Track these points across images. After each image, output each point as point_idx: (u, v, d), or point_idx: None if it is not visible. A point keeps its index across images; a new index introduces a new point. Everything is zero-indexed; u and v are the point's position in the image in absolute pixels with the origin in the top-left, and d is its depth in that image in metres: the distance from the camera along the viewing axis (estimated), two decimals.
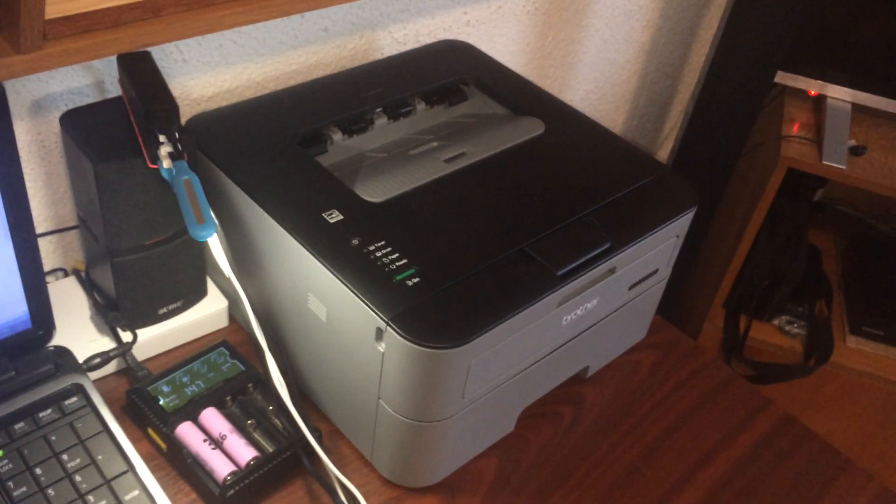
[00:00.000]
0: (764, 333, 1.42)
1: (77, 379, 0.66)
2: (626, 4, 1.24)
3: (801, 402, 1.42)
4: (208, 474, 0.63)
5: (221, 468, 0.63)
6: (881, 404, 1.39)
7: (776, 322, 1.44)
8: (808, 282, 1.44)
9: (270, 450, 0.66)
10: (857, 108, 1.33)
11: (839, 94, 1.33)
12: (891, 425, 1.40)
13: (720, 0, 1.42)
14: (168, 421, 0.66)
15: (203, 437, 0.65)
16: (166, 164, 0.64)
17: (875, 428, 1.41)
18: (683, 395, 0.80)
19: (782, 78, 1.32)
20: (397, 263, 0.62)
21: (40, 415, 0.63)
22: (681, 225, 0.75)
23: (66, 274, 0.80)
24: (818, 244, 1.53)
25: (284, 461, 0.65)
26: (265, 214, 0.67)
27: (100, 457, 0.62)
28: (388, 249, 0.63)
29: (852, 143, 1.28)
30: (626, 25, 1.27)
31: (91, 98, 0.74)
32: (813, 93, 1.35)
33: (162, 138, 0.64)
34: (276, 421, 0.68)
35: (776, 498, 0.72)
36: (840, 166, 1.24)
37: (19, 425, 0.63)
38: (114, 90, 0.75)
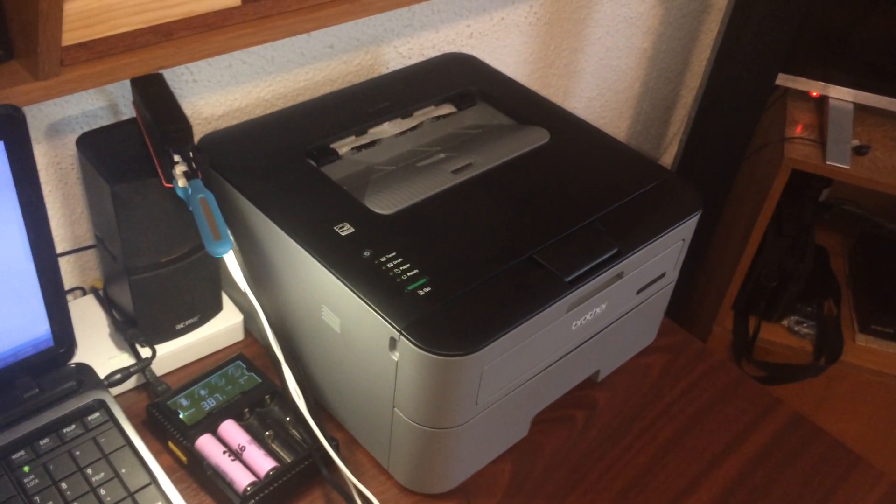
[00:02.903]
0: (773, 334, 1.43)
1: (99, 395, 0.67)
2: (627, 12, 1.25)
3: (812, 402, 1.42)
4: (228, 485, 0.65)
5: (241, 479, 0.64)
6: (891, 402, 1.39)
7: (785, 322, 1.44)
8: (816, 282, 1.44)
9: (289, 460, 0.67)
10: (860, 108, 1.34)
11: (841, 95, 1.33)
12: None
13: (720, 4, 1.43)
14: (188, 434, 0.67)
15: (223, 448, 0.67)
16: (181, 182, 0.66)
17: (886, 425, 1.42)
18: (694, 396, 0.81)
19: (784, 80, 1.32)
20: (409, 273, 0.63)
21: (64, 430, 0.65)
22: (686, 229, 0.76)
23: (85, 293, 0.81)
24: (825, 244, 1.54)
25: (303, 471, 0.67)
26: (278, 229, 0.68)
27: (123, 470, 0.63)
28: (400, 260, 0.64)
29: (856, 142, 1.29)
30: (627, 32, 1.29)
31: (106, 120, 0.76)
32: (815, 94, 1.36)
33: (177, 158, 0.66)
34: (294, 431, 0.70)
35: (788, 497, 0.73)
36: (844, 166, 1.25)
37: (44, 441, 0.64)
38: (127, 112, 0.77)
